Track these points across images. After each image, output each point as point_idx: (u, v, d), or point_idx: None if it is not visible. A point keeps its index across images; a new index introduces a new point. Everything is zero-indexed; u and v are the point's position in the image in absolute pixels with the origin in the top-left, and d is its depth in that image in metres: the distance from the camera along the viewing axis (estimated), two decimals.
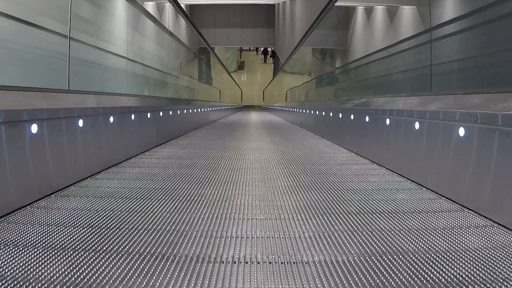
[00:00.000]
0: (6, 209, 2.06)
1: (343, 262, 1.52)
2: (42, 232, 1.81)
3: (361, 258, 1.56)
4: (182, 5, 10.85)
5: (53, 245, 1.65)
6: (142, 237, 1.78)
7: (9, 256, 1.53)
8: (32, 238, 1.73)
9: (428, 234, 1.84)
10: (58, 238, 1.73)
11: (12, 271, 1.40)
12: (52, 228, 1.87)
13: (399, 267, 1.47)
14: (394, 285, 1.33)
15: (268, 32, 28.13)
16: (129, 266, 1.46)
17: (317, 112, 7.16)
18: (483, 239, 1.78)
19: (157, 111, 5.18)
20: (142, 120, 4.54)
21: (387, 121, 3.54)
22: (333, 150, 4.96)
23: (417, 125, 2.91)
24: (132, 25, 5.17)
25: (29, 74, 2.89)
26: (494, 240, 1.76)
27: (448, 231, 1.88)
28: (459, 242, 1.74)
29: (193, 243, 1.71)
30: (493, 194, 2.05)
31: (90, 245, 1.66)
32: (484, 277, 1.39)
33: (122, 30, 4.88)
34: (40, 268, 1.43)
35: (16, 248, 1.61)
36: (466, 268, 1.47)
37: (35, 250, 1.60)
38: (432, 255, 1.59)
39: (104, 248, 1.64)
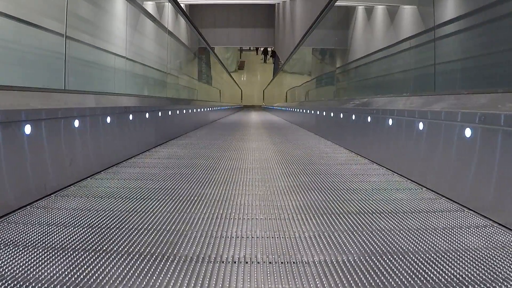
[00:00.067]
0: None
1: (343, 262, 1.52)
2: (42, 232, 1.81)
3: (361, 258, 1.56)
4: (182, 5, 10.86)
5: (53, 245, 1.65)
6: (142, 237, 1.78)
7: (9, 256, 1.53)
8: (32, 238, 1.73)
9: (428, 234, 1.84)
10: (58, 238, 1.73)
11: (12, 271, 1.40)
12: (52, 228, 1.87)
13: (399, 267, 1.47)
14: (394, 285, 1.33)
15: (268, 32, 28.12)
16: (129, 266, 1.46)
17: (318, 112, 7.16)
18: (483, 239, 1.78)
19: (156, 111, 5.15)
20: (141, 120, 4.52)
21: (390, 122, 3.52)
22: (333, 150, 4.96)
23: (421, 126, 2.87)
24: (131, 24, 5.13)
25: (24, 74, 2.85)
26: (494, 240, 1.76)
27: (448, 231, 1.88)
28: (459, 242, 1.74)
29: (193, 243, 1.71)
30: (495, 194, 2.04)
31: (90, 245, 1.66)
32: (484, 277, 1.39)
33: (120, 29, 4.85)
34: (40, 268, 1.43)
35: (16, 248, 1.61)
36: (466, 268, 1.47)
37: (35, 250, 1.60)
38: (432, 255, 1.59)
39: (104, 248, 1.64)
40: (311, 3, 13.40)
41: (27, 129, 2.25)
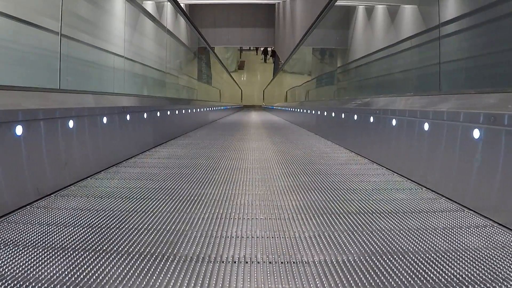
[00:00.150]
0: None
1: (343, 262, 1.52)
2: (42, 232, 1.81)
3: (361, 258, 1.56)
4: (182, 5, 10.85)
5: (53, 245, 1.65)
6: (142, 237, 1.78)
7: (9, 256, 1.53)
8: (32, 238, 1.73)
9: (428, 234, 1.84)
10: (58, 238, 1.73)
11: (12, 271, 1.40)
12: (52, 228, 1.87)
13: (399, 267, 1.47)
14: (394, 285, 1.33)
15: (268, 31, 28.13)
16: (129, 266, 1.46)
17: (319, 112, 7.15)
18: (483, 239, 1.78)
19: (155, 111, 5.10)
20: (140, 121, 4.48)
21: (392, 122, 3.47)
22: (333, 150, 4.96)
23: (426, 126, 2.80)
24: (128, 22, 5.07)
25: (17, 72, 2.78)
26: (494, 240, 1.76)
27: (448, 231, 1.88)
28: (459, 242, 1.74)
29: (193, 243, 1.71)
30: (499, 194, 2.02)
31: (90, 245, 1.66)
32: (484, 277, 1.39)
33: (118, 27, 4.79)
34: (40, 268, 1.43)
35: (16, 248, 1.61)
36: (466, 268, 1.47)
37: (35, 250, 1.60)
38: (432, 255, 1.59)
39: (104, 248, 1.64)
40: (311, 3, 13.41)
41: (18, 130, 2.18)
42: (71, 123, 2.79)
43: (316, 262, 1.51)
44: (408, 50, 4.20)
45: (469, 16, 3.06)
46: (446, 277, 1.39)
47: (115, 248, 1.63)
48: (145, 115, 4.67)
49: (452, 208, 2.29)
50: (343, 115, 5.28)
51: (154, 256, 1.55)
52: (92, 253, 1.57)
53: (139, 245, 1.67)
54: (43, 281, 1.32)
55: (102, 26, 4.51)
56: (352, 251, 1.63)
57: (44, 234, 1.79)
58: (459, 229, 1.91)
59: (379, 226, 1.96)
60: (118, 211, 2.18)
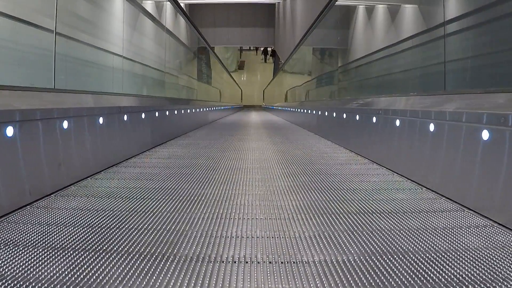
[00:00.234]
0: None
1: (343, 262, 1.52)
2: (42, 232, 1.81)
3: (361, 258, 1.56)
4: (182, 4, 10.85)
5: (53, 245, 1.65)
6: (142, 236, 1.78)
7: (9, 256, 1.53)
8: (32, 238, 1.73)
9: (428, 234, 1.84)
10: (58, 238, 1.73)
11: (12, 271, 1.40)
12: (52, 228, 1.87)
13: (399, 267, 1.47)
14: (394, 285, 1.33)
15: (268, 31, 28.13)
16: (129, 266, 1.46)
17: (319, 112, 7.14)
18: (483, 239, 1.78)
19: (153, 111, 5.04)
20: (137, 121, 4.42)
21: (394, 122, 3.41)
22: (333, 150, 4.96)
23: (432, 127, 2.73)
24: (127, 21, 5.00)
25: (10, 72, 2.70)
26: (494, 240, 1.76)
27: (448, 231, 1.88)
28: (459, 241, 1.74)
29: (193, 243, 1.71)
30: (503, 195, 2.00)
31: (90, 245, 1.66)
32: (484, 276, 1.39)
33: (116, 26, 4.73)
34: (40, 268, 1.43)
35: (16, 248, 1.61)
36: (466, 268, 1.47)
37: (35, 250, 1.60)
38: (432, 254, 1.59)
39: (104, 248, 1.64)
40: (312, 2, 13.40)
41: (9, 131, 2.11)
42: (65, 124, 2.71)
43: (316, 262, 1.51)
44: (411, 49, 4.15)
45: (475, 14, 2.97)
46: (446, 277, 1.39)
47: (115, 248, 1.63)
48: (143, 115, 4.59)
49: (452, 208, 2.29)
50: (344, 115, 5.27)
51: (154, 256, 1.55)
52: (92, 253, 1.57)
53: (139, 245, 1.67)
54: (43, 281, 1.32)
55: (99, 25, 4.42)
56: (352, 251, 1.63)
57: (44, 234, 1.79)
58: (459, 229, 1.91)
59: (379, 226, 1.96)
60: (118, 211, 2.18)
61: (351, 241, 1.75)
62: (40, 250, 1.60)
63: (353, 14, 6.39)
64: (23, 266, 1.44)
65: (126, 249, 1.63)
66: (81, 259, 1.51)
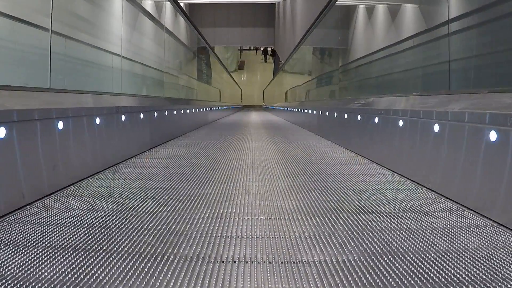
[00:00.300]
0: None
1: (343, 262, 1.52)
2: (42, 232, 1.81)
3: (361, 258, 1.56)
4: (182, 4, 10.84)
5: (53, 245, 1.65)
6: (142, 236, 1.78)
7: (9, 256, 1.53)
8: (32, 238, 1.73)
9: (428, 233, 1.84)
10: (58, 238, 1.73)
11: (12, 271, 1.40)
12: (52, 228, 1.87)
13: (399, 267, 1.47)
14: (394, 285, 1.33)
15: (268, 31, 28.12)
16: (129, 266, 1.46)
17: (320, 112, 7.13)
18: (483, 238, 1.78)
19: (151, 111, 4.98)
20: (136, 121, 4.38)
21: (395, 122, 3.35)
22: (334, 150, 4.96)
23: (436, 127, 2.66)
24: (125, 20, 4.91)
25: (2, 71, 2.63)
26: (494, 239, 1.76)
27: (448, 231, 1.88)
28: (459, 241, 1.74)
29: (193, 242, 1.71)
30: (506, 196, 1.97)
31: (90, 245, 1.66)
32: (484, 276, 1.39)
33: (114, 25, 4.66)
34: (40, 268, 1.43)
35: (16, 248, 1.61)
36: (466, 268, 1.47)
37: (35, 250, 1.60)
38: (432, 254, 1.59)
39: (104, 248, 1.64)
40: (312, 2, 13.40)
41: (1, 132, 2.06)
42: (60, 124, 2.64)
43: (316, 262, 1.51)
44: (414, 48, 4.10)
45: (480, 12, 2.91)
46: (446, 277, 1.39)
47: (115, 248, 1.63)
48: (141, 116, 4.51)
49: (452, 208, 2.29)
50: (345, 115, 5.26)
51: (154, 256, 1.55)
52: (92, 253, 1.57)
53: (139, 245, 1.67)
54: (43, 281, 1.32)
55: (97, 24, 4.36)
56: (352, 251, 1.63)
57: (44, 234, 1.79)
58: (459, 229, 1.91)
59: (379, 226, 1.96)
60: (118, 211, 2.18)
61: (351, 241, 1.75)
62: (40, 250, 1.60)
63: (353, 14, 6.39)
64: (23, 266, 1.44)
65: (126, 249, 1.63)
66: (81, 259, 1.51)
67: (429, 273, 1.42)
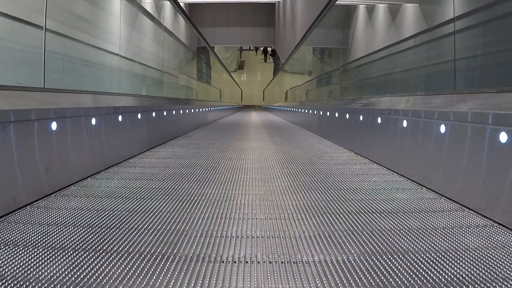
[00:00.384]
0: None
1: (343, 262, 1.52)
2: (42, 232, 1.81)
3: (361, 257, 1.56)
4: (182, 4, 10.83)
5: (53, 245, 1.65)
6: (142, 236, 1.78)
7: (9, 256, 1.53)
8: (32, 238, 1.73)
9: (428, 233, 1.84)
10: (58, 238, 1.73)
11: (12, 271, 1.40)
12: (52, 228, 1.87)
13: (399, 267, 1.47)
14: (394, 285, 1.33)
15: (269, 31, 28.11)
16: (129, 266, 1.46)
17: (321, 112, 7.12)
18: (483, 238, 1.78)
19: (150, 111, 4.92)
20: (134, 122, 4.34)
21: (404, 123, 3.26)
22: (334, 150, 4.96)
23: (443, 128, 2.59)
24: (122, 17, 4.82)
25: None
26: (494, 239, 1.76)
27: (448, 231, 1.88)
28: (459, 241, 1.74)
29: (193, 242, 1.71)
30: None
31: (90, 245, 1.66)
32: (484, 276, 1.39)
33: (110, 23, 4.58)
34: (40, 268, 1.43)
35: (16, 248, 1.61)
36: (466, 267, 1.47)
37: (35, 250, 1.60)
38: (432, 254, 1.59)
39: (104, 248, 1.64)
40: (312, 2, 13.39)
41: None
42: (54, 125, 2.55)
43: (316, 262, 1.51)
44: (417, 47, 4.05)
45: (487, 9, 2.82)
46: (446, 277, 1.39)
47: (115, 248, 1.63)
48: (139, 116, 4.43)
49: (452, 208, 2.29)
50: (346, 115, 5.25)
51: (154, 256, 1.55)
52: (92, 253, 1.57)
53: (139, 245, 1.67)
54: (43, 281, 1.32)
55: (94, 22, 4.29)
56: (352, 251, 1.63)
57: (44, 234, 1.79)
58: (459, 229, 1.91)
59: (379, 226, 1.96)
60: (118, 211, 2.18)
61: (351, 241, 1.75)
62: (40, 250, 1.60)
63: (354, 13, 6.38)
64: (23, 266, 1.44)
65: (126, 249, 1.63)
66: (81, 259, 1.51)
67: (429, 273, 1.42)
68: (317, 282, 1.35)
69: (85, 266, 1.45)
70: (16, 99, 2.31)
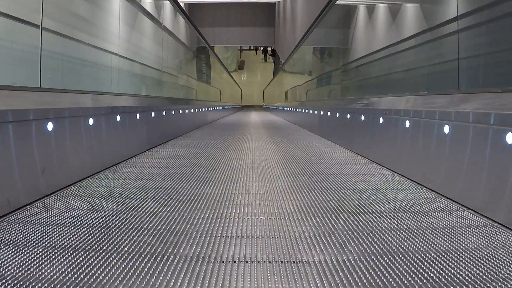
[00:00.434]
0: None
1: (343, 262, 1.52)
2: (42, 232, 1.81)
3: (361, 257, 1.56)
4: (181, 4, 10.83)
5: (53, 245, 1.65)
6: (142, 236, 1.78)
7: (9, 256, 1.53)
8: (32, 238, 1.73)
9: (428, 233, 1.84)
10: (58, 238, 1.73)
11: (12, 271, 1.40)
12: (52, 228, 1.87)
13: (399, 267, 1.47)
14: (394, 285, 1.33)
15: (269, 31, 28.12)
16: (129, 266, 1.46)
17: (321, 113, 7.11)
18: (483, 238, 1.78)
19: (149, 111, 4.89)
20: (135, 122, 4.34)
21: (407, 123, 3.20)
22: (334, 150, 4.96)
23: (447, 128, 2.55)
24: (120, 16, 4.78)
25: None
26: (494, 239, 1.76)
27: (448, 231, 1.88)
28: (459, 241, 1.74)
29: (193, 242, 1.71)
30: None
31: (90, 245, 1.66)
32: (484, 276, 1.39)
33: (108, 22, 4.53)
34: (40, 268, 1.43)
35: (16, 248, 1.61)
36: (466, 267, 1.47)
37: (35, 250, 1.60)
38: (432, 254, 1.59)
39: (104, 247, 1.64)
40: (312, 1, 13.39)
41: None
42: (50, 126, 2.50)
43: (316, 262, 1.51)
44: (418, 46, 4.01)
45: (493, 6, 2.75)
46: (446, 277, 1.39)
47: (115, 248, 1.63)
48: (137, 116, 4.38)
49: (452, 207, 2.29)
50: (347, 115, 5.23)
51: (154, 256, 1.55)
52: (92, 253, 1.57)
53: (139, 245, 1.67)
54: (43, 281, 1.32)
55: (94, 22, 4.26)
56: (352, 251, 1.63)
57: (44, 234, 1.79)
58: (459, 229, 1.91)
59: (379, 225, 1.96)
60: (118, 211, 2.18)
61: (351, 240, 1.75)
62: (40, 250, 1.60)
63: (354, 12, 6.38)
64: (23, 266, 1.44)
65: (126, 249, 1.63)
66: (81, 259, 1.51)
67: (429, 273, 1.42)
68: (317, 282, 1.35)
69: (85, 266, 1.45)
70: (11, 99, 2.25)
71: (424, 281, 1.36)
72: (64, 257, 1.52)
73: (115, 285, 1.31)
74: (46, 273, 1.38)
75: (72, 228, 1.88)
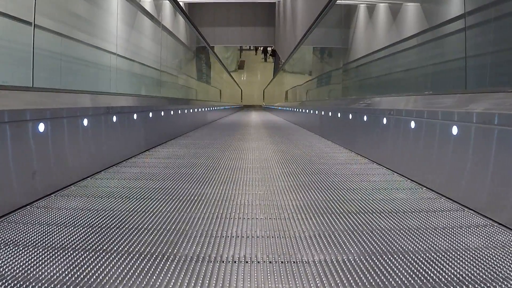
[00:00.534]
0: None
1: (343, 262, 1.52)
2: (42, 232, 1.81)
3: (361, 257, 1.56)
4: (181, 3, 10.83)
5: (53, 245, 1.65)
6: (142, 236, 1.78)
7: (9, 256, 1.53)
8: (32, 238, 1.73)
9: (428, 233, 1.84)
10: (58, 238, 1.73)
11: (12, 271, 1.40)
12: (52, 228, 1.87)
13: (399, 267, 1.47)
14: (394, 285, 1.33)
15: (269, 30, 28.10)
16: (129, 266, 1.46)
17: (322, 112, 7.10)
18: (483, 238, 1.78)
19: (147, 112, 4.85)
20: (133, 122, 4.30)
21: (412, 124, 3.14)
22: (333, 150, 4.96)
23: (455, 130, 2.46)
24: (117, 14, 4.73)
25: None
26: (494, 239, 1.76)
27: (448, 231, 1.88)
28: (459, 241, 1.74)
29: (193, 242, 1.71)
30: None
31: (90, 245, 1.66)
32: (484, 276, 1.39)
33: (105, 20, 4.47)
34: (40, 268, 1.43)
35: (16, 248, 1.61)
36: (466, 267, 1.47)
37: (35, 250, 1.60)
38: (432, 254, 1.59)
39: (104, 247, 1.64)
40: (313, 1, 13.39)
41: None
42: (41, 127, 2.41)
43: (316, 262, 1.51)
44: (422, 45, 3.97)
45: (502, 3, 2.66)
46: (446, 276, 1.39)
47: (115, 248, 1.63)
48: (135, 116, 4.32)
49: (452, 207, 2.29)
50: (349, 115, 5.22)
51: (154, 256, 1.55)
52: (92, 253, 1.57)
53: (139, 245, 1.67)
54: (43, 281, 1.32)
55: (91, 20, 4.20)
56: (352, 251, 1.63)
57: (44, 234, 1.79)
58: (459, 229, 1.91)
59: (379, 225, 1.96)
60: (118, 211, 2.18)
61: (351, 240, 1.75)
62: (40, 250, 1.60)
63: (354, 12, 6.37)
64: (23, 266, 1.44)
65: (126, 249, 1.63)
66: (81, 259, 1.51)
67: (429, 273, 1.42)
68: (317, 282, 1.35)
69: (85, 266, 1.45)
70: (4, 99, 2.17)
71: (424, 281, 1.36)
72: (64, 257, 1.52)
73: (115, 285, 1.31)
74: (46, 273, 1.38)
75: (72, 228, 1.88)
